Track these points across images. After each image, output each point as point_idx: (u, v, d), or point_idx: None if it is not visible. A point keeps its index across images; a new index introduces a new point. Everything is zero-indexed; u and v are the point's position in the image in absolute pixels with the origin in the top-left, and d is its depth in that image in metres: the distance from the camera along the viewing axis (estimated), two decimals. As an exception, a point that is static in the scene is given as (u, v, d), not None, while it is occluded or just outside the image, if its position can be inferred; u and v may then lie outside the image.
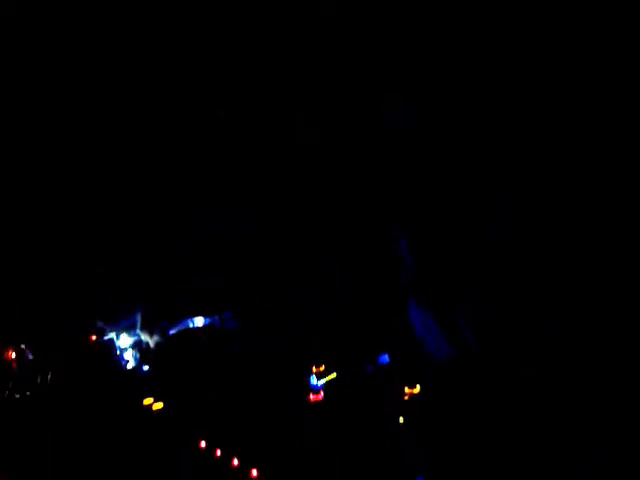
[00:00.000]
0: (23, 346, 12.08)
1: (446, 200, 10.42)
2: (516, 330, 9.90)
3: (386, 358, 11.67)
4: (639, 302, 8.79)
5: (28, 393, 11.32)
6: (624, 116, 8.85)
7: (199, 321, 13.65)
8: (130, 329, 13.06)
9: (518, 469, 8.72)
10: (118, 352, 12.68)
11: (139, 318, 13.13)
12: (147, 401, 11.02)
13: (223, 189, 11.49)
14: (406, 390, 10.79)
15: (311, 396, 11.13)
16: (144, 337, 13.02)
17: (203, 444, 10.00)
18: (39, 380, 11.67)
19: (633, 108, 8.76)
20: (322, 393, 11.21)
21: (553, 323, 9.43)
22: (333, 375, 11.44)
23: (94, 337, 12.77)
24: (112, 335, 12.90)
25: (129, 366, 12.59)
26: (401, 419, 10.29)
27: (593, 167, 9.03)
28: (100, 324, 12.93)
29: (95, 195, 11.46)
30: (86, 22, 9.81)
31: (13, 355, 11.93)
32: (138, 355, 12.79)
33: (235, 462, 9.66)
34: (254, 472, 9.43)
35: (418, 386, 10.84)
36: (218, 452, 9.83)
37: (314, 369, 11.47)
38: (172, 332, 13.20)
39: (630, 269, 8.85)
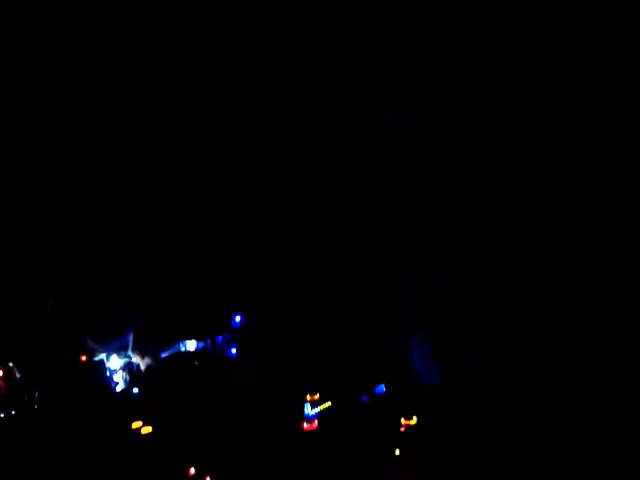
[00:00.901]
0: (11, 364, 11.79)
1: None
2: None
3: (382, 388, 11.50)
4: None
5: (14, 412, 10.95)
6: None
7: (191, 345, 13.46)
8: (121, 350, 12.83)
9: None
10: (108, 373, 12.43)
11: (131, 339, 12.92)
12: (136, 424, 10.66)
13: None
14: (402, 421, 10.57)
15: (305, 425, 10.86)
16: (135, 359, 12.77)
17: (192, 470, 9.77)
18: (26, 399, 11.34)
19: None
20: (316, 422, 10.94)
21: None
22: (328, 404, 11.20)
23: (84, 357, 12.53)
24: (102, 356, 12.67)
25: (119, 388, 12.33)
26: (397, 451, 10.06)
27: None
28: (91, 344, 12.70)
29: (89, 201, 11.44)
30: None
31: (0, 373, 11.63)
32: (128, 377, 12.54)
33: None
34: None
35: (415, 417, 10.64)
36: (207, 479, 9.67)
37: (308, 397, 11.24)
38: (164, 355, 12.99)
39: (629, 268, 8.87)
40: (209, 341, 13.58)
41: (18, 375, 11.84)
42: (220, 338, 13.64)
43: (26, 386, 11.63)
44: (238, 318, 13.66)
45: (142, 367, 12.74)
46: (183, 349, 13.33)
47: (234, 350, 13.56)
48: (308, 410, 11.02)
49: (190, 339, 13.34)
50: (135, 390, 12.05)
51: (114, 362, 12.64)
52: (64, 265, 12.06)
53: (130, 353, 12.77)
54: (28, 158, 10.51)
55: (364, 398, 11.33)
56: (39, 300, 12.28)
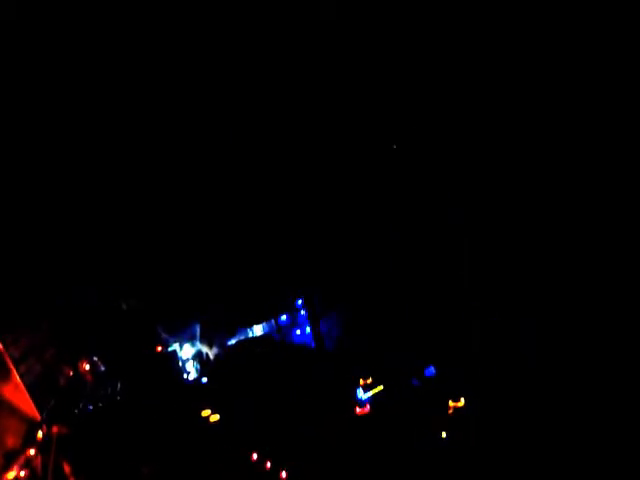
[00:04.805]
0: (96, 358, 13.05)
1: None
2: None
3: (432, 370, 11.81)
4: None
5: (100, 404, 12.22)
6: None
7: (257, 330, 14.32)
8: (191, 340, 13.88)
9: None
10: (180, 363, 13.55)
11: (198, 330, 13.92)
12: (205, 413, 11.60)
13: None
14: (450, 404, 10.84)
15: (357, 409, 11.37)
16: (204, 348, 13.80)
17: (255, 456, 10.44)
18: (109, 391, 12.60)
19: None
20: (368, 406, 11.42)
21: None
22: (380, 388, 11.67)
23: (159, 348, 13.64)
24: (175, 346, 13.77)
25: (191, 377, 13.42)
26: (444, 434, 10.36)
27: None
28: (165, 336, 13.80)
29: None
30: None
31: (87, 367, 12.90)
32: (199, 366, 13.60)
33: (283, 474, 10.08)
34: (300, 484, 9.89)
35: (462, 399, 10.89)
36: (268, 464, 10.27)
37: (361, 381, 11.73)
38: (230, 342, 13.93)
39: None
40: (274, 325, 14.42)
41: (102, 368, 13.12)
42: (283, 322, 14.45)
43: (110, 377, 12.91)
44: (300, 302, 14.42)
45: (211, 356, 13.80)
46: (250, 334, 14.26)
47: (298, 332, 14.38)
48: (361, 394, 11.52)
49: (253, 325, 14.24)
50: (204, 379, 13.15)
51: (186, 352, 13.75)
52: (135, 268, 13.01)
53: (198, 343, 13.81)
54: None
55: (414, 381, 11.66)
56: (115, 300, 13.41)
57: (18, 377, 10.73)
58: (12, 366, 10.64)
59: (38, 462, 10.36)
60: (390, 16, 10.05)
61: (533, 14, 9.03)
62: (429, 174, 11.43)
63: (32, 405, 10.86)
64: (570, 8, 8.55)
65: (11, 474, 9.79)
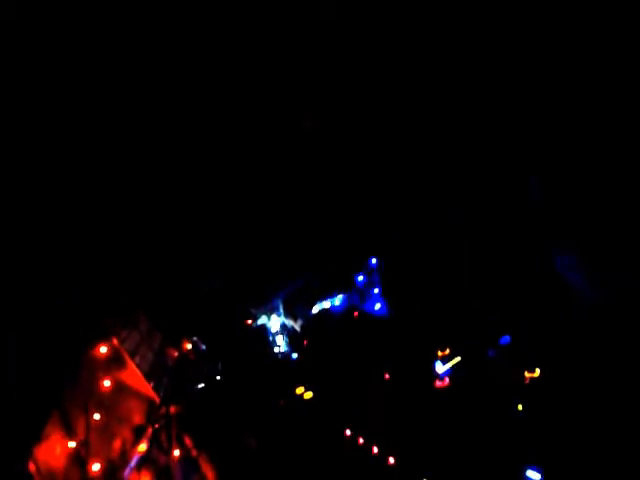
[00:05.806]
0: (195, 338, 14.20)
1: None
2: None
3: (507, 338, 11.91)
4: None
5: (206, 382, 13.13)
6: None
7: (337, 299, 14.97)
8: (275, 312, 14.70)
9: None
10: (270, 338, 14.31)
11: (280, 302, 14.78)
12: (299, 390, 12.46)
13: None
14: (526, 374, 11.18)
15: (437, 382, 11.92)
16: (288, 322, 14.67)
17: (348, 432, 11.37)
18: (212, 369, 13.44)
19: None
20: (447, 379, 11.95)
21: None
22: (458, 359, 11.99)
23: (249, 321, 14.60)
24: (264, 320, 14.71)
25: (281, 351, 14.10)
26: (520, 407, 10.89)
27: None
28: (253, 310, 14.71)
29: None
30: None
31: (189, 346, 14.16)
32: (288, 340, 14.39)
33: (375, 450, 11.04)
34: (391, 460, 10.89)
35: (538, 370, 11.15)
36: (361, 440, 11.19)
37: (439, 353, 12.14)
38: (312, 314, 14.65)
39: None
40: (354, 290, 14.99)
41: (203, 347, 14.31)
42: (361, 283, 14.98)
43: (210, 356, 14.12)
44: (374, 260, 14.88)
45: (297, 329, 14.69)
46: (330, 303, 14.88)
47: (376, 290, 14.88)
48: (439, 367, 12.00)
49: (334, 295, 14.88)
50: (294, 355, 13.91)
51: (274, 324, 14.57)
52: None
53: (283, 316, 14.61)
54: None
55: (490, 352, 11.91)
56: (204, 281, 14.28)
57: (135, 366, 12.16)
58: (128, 358, 12.06)
59: (163, 437, 11.98)
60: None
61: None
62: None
63: (150, 389, 12.33)
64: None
65: (142, 446, 11.47)
